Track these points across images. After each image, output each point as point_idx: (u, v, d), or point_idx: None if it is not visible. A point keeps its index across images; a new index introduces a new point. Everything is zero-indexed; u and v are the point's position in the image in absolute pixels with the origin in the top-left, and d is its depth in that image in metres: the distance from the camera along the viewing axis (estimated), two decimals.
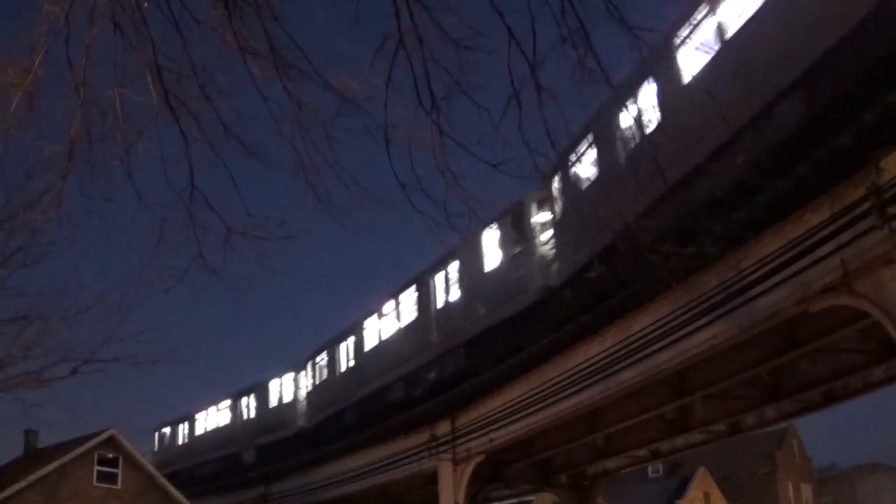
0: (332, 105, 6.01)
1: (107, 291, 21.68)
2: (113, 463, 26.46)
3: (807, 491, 51.51)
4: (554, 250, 20.36)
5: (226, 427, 39.55)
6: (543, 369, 20.63)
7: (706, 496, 46.62)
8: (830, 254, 12.81)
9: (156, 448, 45.11)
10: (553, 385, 20.26)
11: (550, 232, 20.82)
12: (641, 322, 17.17)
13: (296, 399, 34.84)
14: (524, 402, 21.43)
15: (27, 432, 28.64)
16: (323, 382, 32.94)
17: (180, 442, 43.60)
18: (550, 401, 20.42)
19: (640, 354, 17.23)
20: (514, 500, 32.78)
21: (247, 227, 6.66)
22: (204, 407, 41.83)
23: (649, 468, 44.50)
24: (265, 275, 7.12)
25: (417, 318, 26.37)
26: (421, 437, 25.51)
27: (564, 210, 19.89)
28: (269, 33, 5.76)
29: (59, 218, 6.94)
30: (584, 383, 19.16)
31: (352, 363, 30.64)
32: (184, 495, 29.10)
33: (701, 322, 15.56)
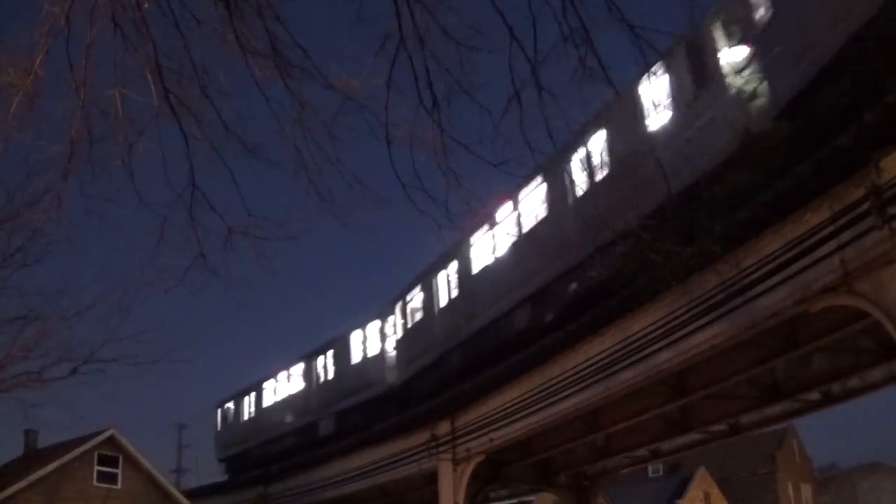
0: (334, 104, 6.02)
1: (107, 291, 21.65)
2: (113, 463, 26.45)
3: (807, 491, 51.50)
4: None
5: (300, 394, 34.10)
6: (543, 369, 20.62)
7: (706, 496, 46.62)
8: (830, 254, 12.82)
9: (218, 427, 40.97)
10: (553, 385, 20.26)
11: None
12: (641, 322, 17.17)
13: (383, 351, 29.22)
14: (524, 402, 21.42)
15: (27, 432, 28.63)
16: (417, 325, 27.07)
17: (246, 417, 38.54)
18: (550, 401, 20.42)
19: (640, 354, 17.23)
20: (514, 500, 32.77)
21: (247, 227, 6.67)
22: (272, 374, 36.45)
23: (649, 468, 44.49)
24: (265, 275, 7.12)
25: (549, 214, 20.08)
26: (421, 437, 25.50)
27: None
28: (270, 33, 5.76)
29: (59, 218, 6.96)
30: (584, 383, 19.16)
31: (455, 294, 24.66)
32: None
33: (701, 322, 15.57)
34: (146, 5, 5.65)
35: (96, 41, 5.68)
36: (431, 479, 25.38)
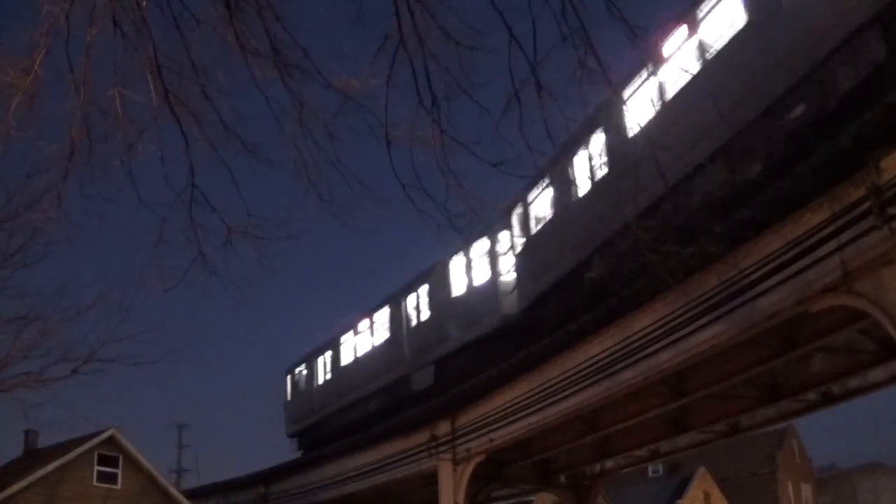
0: (334, 104, 6.02)
1: (107, 291, 21.62)
2: (113, 463, 26.46)
3: (807, 491, 51.52)
4: None
5: (386, 345, 28.55)
6: (543, 369, 20.62)
7: (706, 496, 46.62)
8: (830, 254, 12.82)
9: (288, 396, 36.03)
10: (553, 385, 20.26)
11: None
12: (641, 322, 17.17)
13: (495, 275, 23.22)
14: (524, 402, 21.43)
15: (27, 432, 28.64)
16: (544, 231, 20.57)
17: (321, 381, 33.19)
18: (550, 401, 20.42)
19: (640, 354, 17.24)
20: (514, 500, 32.76)
21: (247, 227, 6.67)
22: (352, 325, 30.81)
23: (649, 468, 44.51)
24: (266, 274, 7.11)
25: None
26: (421, 437, 25.50)
27: None
28: (270, 33, 5.77)
29: (59, 218, 6.93)
30: (584, 383, 19.16)
31: (603, 171, 18.07)
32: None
33: (701, 322, 15.57)
34: (145, 5, 5.65)
35: (96, 41, 5.69)
36: (431, 479, 25.39)
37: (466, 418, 23.94)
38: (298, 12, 6.21)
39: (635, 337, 17.35)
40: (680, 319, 16.03)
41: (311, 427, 33.94)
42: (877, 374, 18.11)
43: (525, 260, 21.58)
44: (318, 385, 33.42)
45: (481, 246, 23.60)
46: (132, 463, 26.92)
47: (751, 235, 13.88)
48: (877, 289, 12.23)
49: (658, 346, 16.73)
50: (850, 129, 11.86)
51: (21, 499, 23.90)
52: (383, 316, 28.95)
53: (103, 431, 26.38)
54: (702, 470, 46.36)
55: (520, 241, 21.84)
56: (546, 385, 20.53)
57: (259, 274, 7.13)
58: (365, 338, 30.07)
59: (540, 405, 20.82)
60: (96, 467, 26.05)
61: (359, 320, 30.37)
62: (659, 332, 16.65)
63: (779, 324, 14.86)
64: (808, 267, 13.22)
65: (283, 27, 5.82)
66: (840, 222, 12.60)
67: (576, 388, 19.48)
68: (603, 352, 18.45)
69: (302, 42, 5.90)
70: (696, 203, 14.14)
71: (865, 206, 12.04)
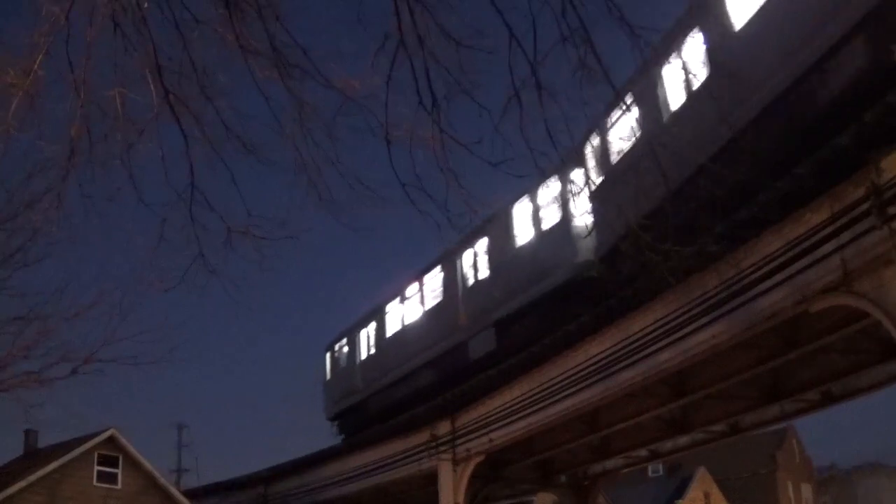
0: (334, 104, 6.02)
1: (107, 291, 21.57)
2: (113, 463, 26.46)
3: (807, 491, 51.53)
4: None
5: (439, 309, 25.29)
6: (543, 369, 20.63)
7: (706, 496, 46.62)
8: (830, 254, 12.82)
9: (328, 375, 32.77)
10: (553, 385, 20.27)
11: None
12: (641, 322, 17.18)
13: (565, 221, 19.68)
14: (524, 402, 21.43)
15: (27, 432, 28.63)
16: (625, 160, 16.36)
17: (364, 355, 30.01)
18: (550, 401, 20.43)
19: (640, 354, 17.25)
20: (514, 500, 32.76)
21: (247, 227, 6.66)
22: (398, 291, 27.55)
23: (649, 468, 44.50)
24: (266, 274, 7.10)
25: None
26: (421, 437, 25.51)
27: None
28: (270, 33, 5.76)
29: (59, 218, 6.93)
30: (584, 383, 19.17)
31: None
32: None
33: (701, 322, 15.58)
34: (146, 5, 5.65)
35: (96, 41, 5.69)
36: (431, 479, 25.39)
37: (466, 418, 23.95)
38: (298, 12, 6.21)
39: (635, 337, 17.36)
40: (680, 319, 16.04)
41: (354, 408, 30.63)
42: (877, 374, 18.12)
43: (603, 199, 16.87)
44: (360, 361, 29.92)
45: (549, 189, 19.44)
46: (132, 463, 26.91)
47: (751, 235, 13.88)
48: (877, 289, 12.23)
49: (658, 346, 16.73)
50: (850, 129, 11.86)
51: (21, 499, 23.90)
52: (435, 278, 25.38)
53: (103, 431, 26.37)
54: (702, 470, 46.36)
55: (596, 178, 17.97)
56: (546, 385, 20.53)
57: (259, 273, 7.12)
58: (413, 304, 26.51)
59: (540, 405, 20.82)
60: (96, 467, 26.04)
61: (406, 285, 26.52)
62: (659, 332, 16.66)
63: (779, 324, 14.86)
64: (808, 267, 13.23)
65: (283, 27, 5.82)
66: (840, 222, 12.60)
67: (576, 388, 19.49)
68: (603, 352, 18.46)
69: (302, 42, 5.90)
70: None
71: (865, 206, 12.04)
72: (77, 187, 6.35)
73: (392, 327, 27.96)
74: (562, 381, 19.92)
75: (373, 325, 29.50)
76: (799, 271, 13.40)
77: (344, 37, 6.16)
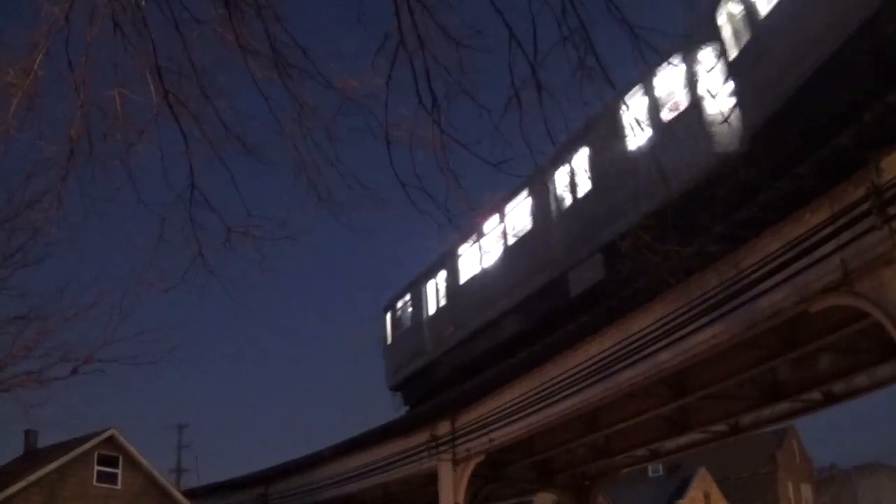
0: (334, 104, 6.02)
1: (107, 291, 21.59)
2: (113, 463, 26.46)
3: (807, 491, 51.53)
4: None
5: (527, 241, 21.05)
6: (543, 369, 20.62)
7: (706, 496, 46.63)
8: (830, 254, 12.83)
9: (388, 339, 28.63)
10: (553, 385, 20.26)
11: None
12: (641, 322, 17.18)
13: (694, 108, 15.70)
14: (524, 402, 21.42)
15: (27, 432, 28.65)
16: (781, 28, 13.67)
17: (432, 310, 25.85)
18: (550, 401, 20.42)
19: (640, 354, 17.25)
20: (514, 500, 32.76)
21: (247, 227, 6.66)
22: (474, 229, 21.88)
23: (649, 468, 44.51)
24: (266, 274, 7.10)
25: None
26: (421, 437, 25.51)
27: None
28: (269, 33, 5.76)
29: (59, 218, 6.93)
30: (584, 383, 19.16)
31: None
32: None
33: (701, 322, 15.58)
34: (145, 5, 5.65)
35: (96, 41, 5.69)
36: (431, 479, 25.39)
37: (466, 418, 23.94)
38: (298, 12, 6.21)
39: (635, 337, 17.36)
40: (680, 319, 16.04)
41: (422, 372, 26.51)
42: (877, 373, 18.12)
43: (749, 71, 14.18)
44: (428, 317, 25.95)
45: (672, 71, 15.84)
46: (132, 463, 26.91)
47: (751, 235, 13.88)
48: (877, 289, 12.24)
49: (658, 346, 16.73)
50: (850, 130, 11.86)
51: (21, 499, 23.89)
52: (521, 205, 21.03)
53: (103, 431, 26.38)
54: (702, 470, 46.36)
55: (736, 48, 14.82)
56: (546, 385, 20.53)
57: (259, 273, 7.12)
58: (493, 241, 22.25)
59: (540, 405, 20.82)
60: (96, 467, 26.04)
61: (483, 220, 21.01)
62: (659, 332, 16.66)
63: (779, 324, 14.86)
64: (809, 267, 13.23)
65: (282, 27, 5.82)
66: (840, 222, 12.60)
67: (576, 388, 19.49)
68: (603, 352, 18.45)
69: (302, 42, 5.90)
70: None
71: (865, 206, 12.04)
72: (77, 187, 6.36)
73: (467, 272, 23.60)
74: (562, 381, 19.92)
75: (442, 275, 25.11)
76: (799, 271, 13.40)
77: (344, 37, 6.16)
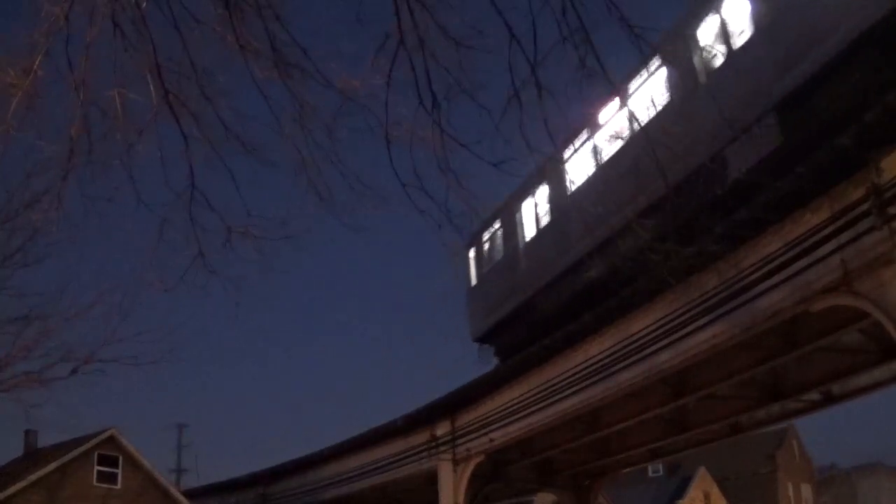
0: (334, 104, 6.01)
1: (107, 291, 21.58)
2: (113, 463, 26.48)
3: (807, 491, 51.52)
4: None
5: (661, 119, 15.20)
6: (543, 369, 20.63)
7: (706, 496, 46.63)
8: (830, 254, 12.84)
9: (473, 278, 24.16)
10: (553, 385, 20.27)
11: None
12: (641, 322, 17.19)
13: None
14: (524, 402, 21.43)
15: (27, 432, 28.68)
16: None
17: (530, 234, 21.43)
18: (550, 401, 20.44)
19: (640, 354, 17.25)
20: (514, 500, 32.78)
21: (247, 227, 6.66)
22: (585, 123, 17.42)
23: (649, 468, 44.54)
24: (266, 275, 7.10)
25: None
26: (421, 437, 25.52)
27: None
28: (270, 33, 5.76)
29: (59, 218, 6.92)
30: (584, 383, 19.17)
31: None
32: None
33: (701, 322, 15.59)
34: (145, 5, 5.65)
35: (96, 41, 5.68)
36: (431, 479, 25.40)
37: (466, 418, 23.96)
38: (298, 12, 6.20)
39: (635, 337, 17.36)
40: (680, 319, 16.04)
41: (516, 314, 22.00)
42: (877, 374, 18.13)
43: None
44: (525, 244, 21.53)
45: None
46: (132, 463, 26.93)
47: (751, 235, 13.88)
48: (877, 289, 12.25)
49: (658, 346, 16.74)
50: (850, 130, 11.87)
51: (21, 499, 23.91)
52: (653, 80, 16.32)
53: (103, 431, 26.40)
54: (702, 470, 46.37)
55: None
56: (546, 385, 20.54)
57: (259, 273, 7.11)
58: (612, 132, 17.49)
59: (540, 405, 20.82)
60: (96, 467, 26.07)
61: (597, 109, 13.56)
62: (659, 332, 16.66)
63: (779, 324, 14.88)
64: (808, 267, 13.24)
65: (283, 27, 5.81)
66: (840, 222, 12.61)
67: (576, 388, 19.50)
68: (603, 352, 18.46)
69: (302, 42, 5.89)
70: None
71: (865, 206, 12.05)
72: (77, 187, 6.35)
73: (577, 178, 18.68)
74: (562, 381, 19.93)
75: (542, 190, 20.53)
76: (799, 271, 13.41)
77: (344, 37, 6.16)
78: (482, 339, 24.04)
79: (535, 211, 21.20)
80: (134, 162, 6.22)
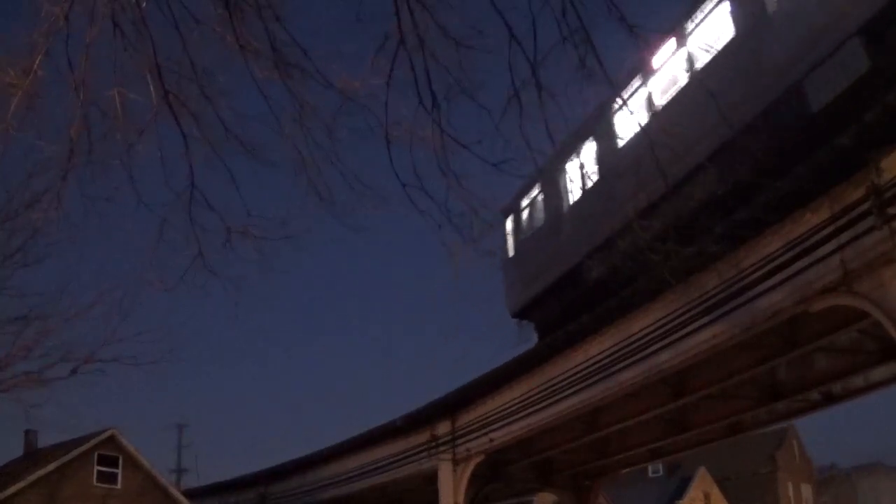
0: (334, 104, 6.01)
1: (107, 291, 21.58)
2: (113, 463, 26.48)
3: (807, 491, 51.52)
4: None
5: (727, 55, 13.96)
6: (543, 369, 20.63)
7: (706, 496, 46.64)
8: (830, 254, 12.83)
9: (510, 250, 22.20)
10: (553, 385, 20.27)
11: None
12: (641, 322, 17.18)
13: None
14: (524, 402, 21.43)
15: (27, 432, 28.69)
16: None
17: (576, 195, 19.40)
18: (550, 401, 20.43)
19: (640, 354, 17.25)
20: (514, 500, 32.78)
21: (246, 227, 6.65)
22: (638, 68, 14.58)
23: (649, 468, 44.54)
24: (266, 274, 7.09)
25: None
26: (421, 437, 25.52)
27: None
28: (270, 33, 5.76)
29: (59, 218, 6.92)
30: (584, 383, 19.17)
31: None
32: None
33: (701, 322, 15.58)
34: (145, 5, 5.65)
35: (96, 41, 5.68)
36: (431, 479, 25.40)
37: (466, 418, 23.96)
38: (298, 12, 6.20)
39: (635, 337, 17.36)
40: (680, 319, 16.04)
41: (560, 283, 19.82)
42: (877, 374, 18.13)
43: None
44: (570, 206, 19.46)
45: None
46: (132, 463, 26.93)
47: (751, 235, 13.88)
48: (877, 289, 12.24)
49: (658, 346, 16.74)
50: (850, 130, 11.86)
51: (21, 499, 23.92)
52: (718, 12, 14.65)
53: (103, 431, 26.40)
54: (702, 470, 46.37)
55: None
56: (546, 385, 20.53)
57: (259, 273, 7.10)
58: (672, 74, 15.45)
59: (540, 405, 20.82)
60: (96, 467, 26.07)
61: (651, 53, 12.57)
62: (659, 332, 16.66)
63: (779, 324, 14.87)
64: (808, 267, 13.24)
65: (283, 27, 5.81)
66: (840, 222, 12.61)
67: (576, 388, 19.49)
68: (603, 352, 18.46)
69: (302, 42, 5.89)
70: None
71: (865, 206, 12.05)
72: (77, 187, 6.35)
73: (630, 127, 15.67)
74: (562, 381, 19.93)
75: (588, 146, 18.36)
76: (799, 271, 13.41)
77: (344, 37, 6.16)
78: (521, 315, 21.87)
79: (580, 170, 19.07)
80: (134, 162, 6.23)
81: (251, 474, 35.64)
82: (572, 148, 18.81)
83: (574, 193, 19.50)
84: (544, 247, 20.80)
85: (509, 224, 22.39)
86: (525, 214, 21.91)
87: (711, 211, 12.67)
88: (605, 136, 17.73)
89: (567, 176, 19.89)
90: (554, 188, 20.37)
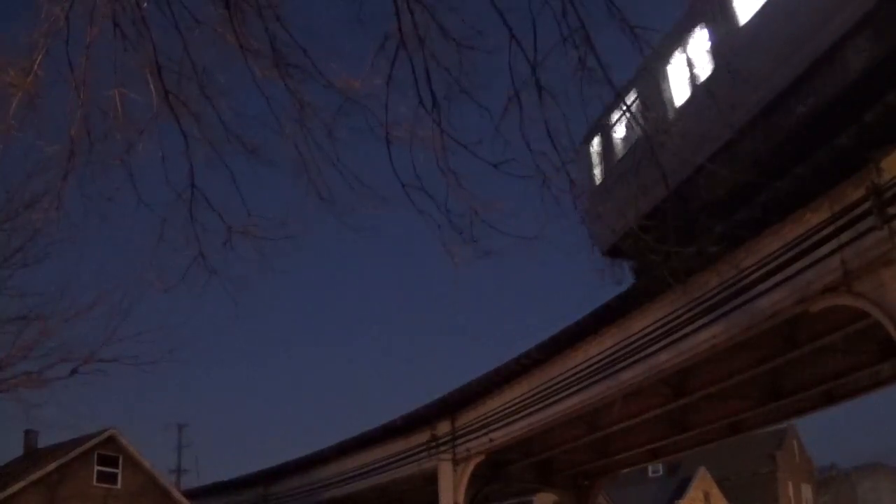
0: (334, 104, 6.00)
1: (107, 291, 21.55)
2: (113, 463, 26.47)
3: (807, 491, 51.52)
4: None
5: None
6: (543, 369, 20.64)
7: (706, 496, 46.62)
8: (830, 254, 12.84)
9: (598, 177, 18.13)
10: (553, 385, 20.28)
11: None
12: (641, 322, 17.19)
13: None
14: (524, 402, 21.45)
15: (27, 432, 28.66)
16: None
17: (680, 99, 15.03)
18: (550, 401, 20.44)
19: (640, 354, 17.26)
20: (514, 500, 32.79)
21: (247, 227, 6.65)
22: None
23: (649, 468, 44.54)
24: (266, 274, 7.08)
25: None
26: (421, 437, 25.53)
27: None
28: (270, 33, 5.76)
29: (59, 218, 6.91)
30: (584, 383, 19.18)
31: None
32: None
33: (701, 322, 15.59)
34: (145, 5, 5.64)
35: (96, 41, 5.68)
36: (431, 479, 25.41)
37: (466, 418, 23.96)
38: (298, 12, 6.19)
39: (635, 337, 17.37)
40: (680, 319, 16.05)
41: (663, 208, 12.92)
42: (877, 374, 18.14)
43: None
44: (677, 111, 15.29)
45: None
46: (132, 463, 26.92)
47: (751, 235, 13.89)
48: (877, 289, 12.25)
49: (658, 346, 16.75)
50: (850, 130, 11.86)
51: (21, 499, 23.91)
52: None
53: (103, 431, 26.39)
54: (702, 470, 46.35)
55: None
56: (546, 385, 20.55)
57: (260, 273, 7.09)
58: None
59: (540, 405, 20.83)
60: (96, 467, 26.06)
61: None
62: (659, 332, 16.67)
63: (779, 324, 14.88)
64: (808, 267, 13.25)
65: (283, 27, 5.81)
66: (840, 222, 12.61)
67: (576, 388, 19.51)
68: (603, 352, 18.47)
69: (302, 42, 5.88)
70: None
71: (865, 206, 12.05)
72: (77, 187, 6.34)
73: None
74: (562, 381, 19.94)
75: (698, 35, 14.85)
76: (799, 271, 13.41)
77: (344, 37, 6.16)
78: (614, 252, 18.08)
79: (688, 67, 15.42)
80: (134, 162, 6.22)
81: (251, 474, 35.64)
82: (672, 46, 14.95)
83: (678, 97, 15.53)
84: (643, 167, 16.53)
85: (595, 147, 18.78)
86: (616, 134, 17.87)
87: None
88: (721, 17, 14.22)
89: (668, 77, 15.89)
90: (653, 94, 14.87)
